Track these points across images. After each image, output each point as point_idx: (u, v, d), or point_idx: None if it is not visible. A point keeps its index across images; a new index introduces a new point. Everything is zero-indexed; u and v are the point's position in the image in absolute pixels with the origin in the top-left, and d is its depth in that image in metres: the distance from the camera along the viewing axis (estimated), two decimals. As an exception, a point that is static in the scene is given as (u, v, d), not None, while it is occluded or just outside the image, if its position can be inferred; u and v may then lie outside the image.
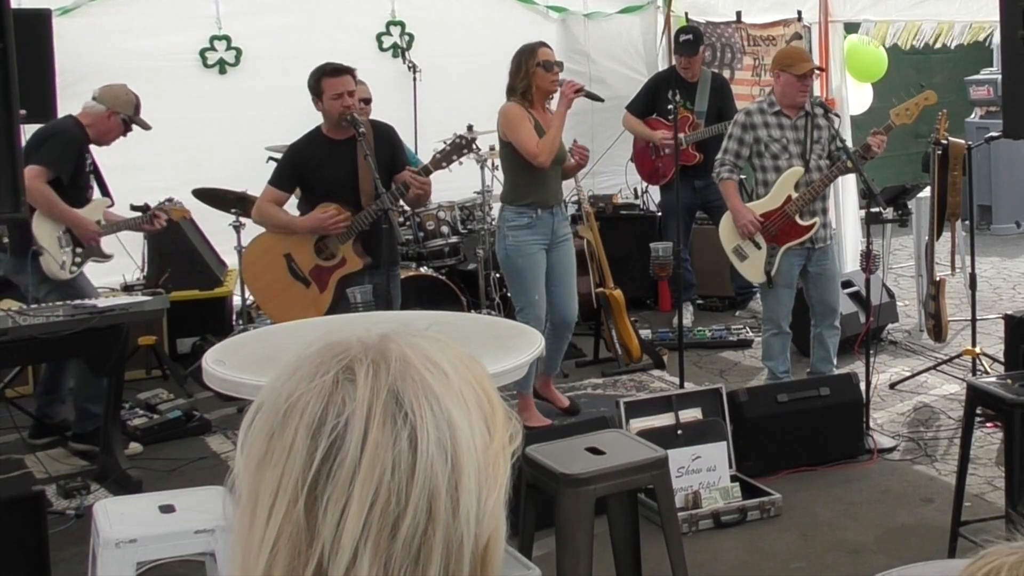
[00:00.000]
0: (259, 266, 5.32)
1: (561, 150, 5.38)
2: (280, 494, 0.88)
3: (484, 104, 7.51)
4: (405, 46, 7.71)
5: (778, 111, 5.42)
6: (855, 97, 8.23)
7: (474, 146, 5.38)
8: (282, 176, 5.15)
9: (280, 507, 0.87)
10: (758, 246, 5.49)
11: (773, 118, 5.43)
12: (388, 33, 7.88)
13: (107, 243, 6.20)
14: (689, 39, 7.35)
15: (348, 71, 5.08)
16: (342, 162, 5.07)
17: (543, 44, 5.43)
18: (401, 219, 6.52)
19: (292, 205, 5.36)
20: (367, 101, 6.43)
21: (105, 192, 5.55)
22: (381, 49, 7.82)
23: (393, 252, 5.17)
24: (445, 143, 5.34)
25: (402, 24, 7.88)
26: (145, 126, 5.48)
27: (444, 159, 5.23)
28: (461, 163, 5.52)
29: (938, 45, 7.37)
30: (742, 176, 5.87)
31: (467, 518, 0.88)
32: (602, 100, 5.31)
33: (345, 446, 0.87)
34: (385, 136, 5.26)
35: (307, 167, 5.09)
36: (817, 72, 5.43)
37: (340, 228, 5.05)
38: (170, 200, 6.45)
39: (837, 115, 5.52)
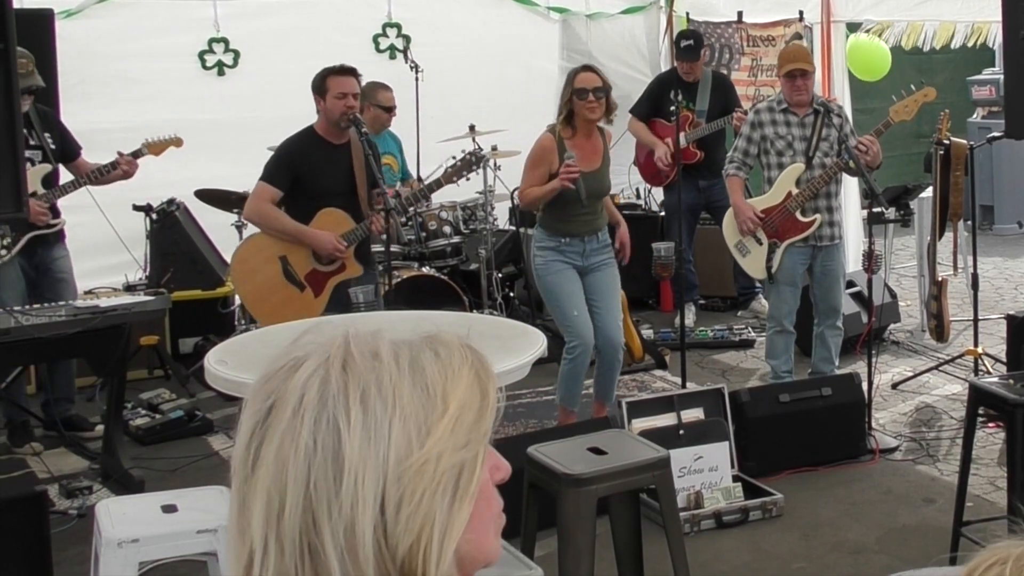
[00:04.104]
0: (251, 266, 5.22)
1: (602, 184, 5.14)
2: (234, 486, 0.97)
3: (484, 105, 7.54)
4: (402, 48, 7.72)
5: (786, 109, 5.47)
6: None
7: (484, 162, 5.38)
8: (278, 174, 5.09)
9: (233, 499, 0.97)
10: (759, 242, 5.51)
11: (781, 116, 5.47)
12: (385, 35, 7.88)
13: (108, 242, 6.23)
14: (690, 44, 7.36)
15: (353, 73, 5.09)
16: (338, 167, 5.06)
17: (585, 68, 5.09)
18: (403, 219, 6.52)
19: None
20: (390, 109, 6.46)
21: (66, 158, 5.40)
22: (378, 51, 7.83)
23: (370, 252, 5.22)
24: (455, 159, 5.34)
25: (398, 26, 7.88)
26: (29, 88, 5.09)
27: (455, 174, 5.26)
28: (469, 179, 5.53)
29: (939, 45, 7.37)
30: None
31: (364, 526, 0.90)
32: (583, 201, 4.95)
33: (264, 444, 0.94)
34: (374, 150, 5.26)
35: (303, 168, 5.06)
36: (805, 71, 5.41)
37: (337, 258, 5.08)
38: (171, 201, 6.47)
39: (838, 112, 5.53)
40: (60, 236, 5.40)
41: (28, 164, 5.15)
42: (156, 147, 5.61)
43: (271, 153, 6.27)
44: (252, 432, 0.95)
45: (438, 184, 5.25)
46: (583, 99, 4.97)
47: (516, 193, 5.20)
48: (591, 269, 5.15)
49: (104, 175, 5.38)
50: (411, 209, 6.10)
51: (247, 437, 0.95)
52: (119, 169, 5.38)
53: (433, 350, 0.98)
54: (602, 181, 5.16)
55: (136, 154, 5.47)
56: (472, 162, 5.23)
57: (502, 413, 1.02)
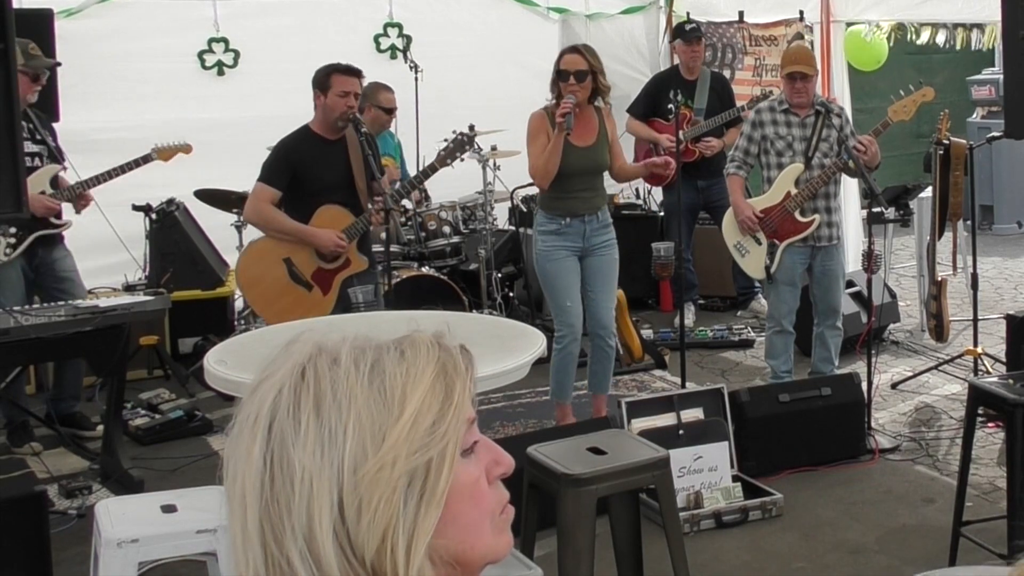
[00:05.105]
0: (256, 271, 5.22)
1: (599, 159, 5.14)
2: None
3: (484, 105, 7.53)
4: (403, 48, 7.73)
5: (787, 109, 5.47)
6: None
7: (475, 140, 5.37)
8: (276, 174, 5.08)
9: None
10: (759, 242, 5.52)
11: (781, 116, 5.47)
12: (385, 35, 7.89)
13: (108, 242, 6.23)
14: (694, 27, 7.48)
15: (358, 74, 5.09)
16: (335, 162, 5.07)
17: (571, 50, 5.13)
18: (403, 219, 6.53)
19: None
20: (391, 111, 6.46)
21: (61, 158, 5.39)
22: (379, 51, 7.84)
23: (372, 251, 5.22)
24: (447, 141, 5.35)
25: (399, 26, 7.89)
26: (42, 66, 5.13)
27: (448, 156, 5.26)
28: (463, 160, 5.51)
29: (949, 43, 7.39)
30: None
31: (324, 537, 0.90)
32: (568, 132, 4.92)
33: (230, 461, 0.96)
34: (368, 141, 5.26)
35: (301, 165, 5.06)
36: (805, 74, 5.42)
37: (340, 254, 5.10)
38: (171, 201, 6.47)
39: (839, 112, 5.54)
40: (60, 237, 5.40)
41: (36, 160, 5.20)
42: (165, 153, 5.62)
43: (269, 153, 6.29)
44: (228, 448, 0.96)
45: (432, 169, 5.25)
46: (564, 81, 5.02)
47: (531, 175, 5.17)
48: (591, 252, 5.18)
49: (124, 171, 5.39)
50: (407, 202, 6.11)
51: (225, 452, 0.97)
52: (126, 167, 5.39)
53: (400, 351, 0.97)
54: (597, 157, 5.15)
55: (145, 158, 5.48)
56: (464, 142, 5.24)
57: (476, 406, 0.99)
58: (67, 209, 5.41)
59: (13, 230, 5.08)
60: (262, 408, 0.94)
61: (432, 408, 0.94)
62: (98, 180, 5.37)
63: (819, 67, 5.92)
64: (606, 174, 5.34)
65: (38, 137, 5.26)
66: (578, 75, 5.01)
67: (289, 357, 0.97)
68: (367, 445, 0.91)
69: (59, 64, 5.40)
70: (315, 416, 0.92)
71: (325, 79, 5.04)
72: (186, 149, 5.70)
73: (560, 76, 5.05)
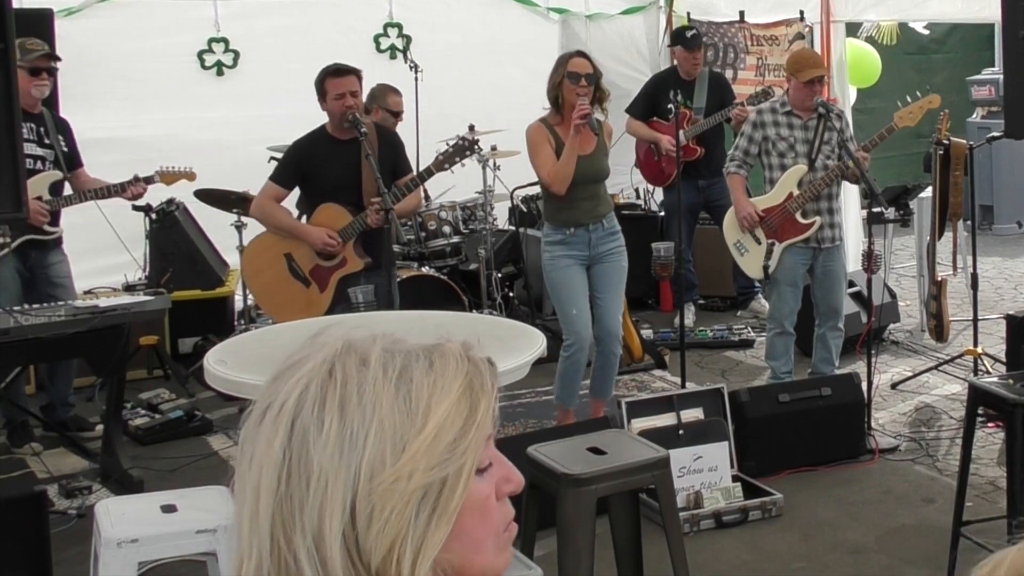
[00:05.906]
0: (258, 263, 5.35)
1: (598, 168, 5.12)
2: None
3: (484, 105, 7.54)
4: (403, 48, 7.73)
5: (789, 111, 5.47)
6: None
7: (476, 147, 5.36)
8: (285, 173, 5.18)
9: None
10: (758, 241, 5.52)
11: (784, 117, 5.47)
12: (385, 35, 7.89)
13: (108, 242, 6.22)
14: (695, 33, 7.46)
15: (352, 72, 5.11)
16: (346, 162, 5.09)
17: (579, 54, 5.13)
18: (403, 219, 6.53)
19: (291, 199, 5.40)
20: (397, 114, 6.44)
21: (70, 166, 5.37)
22: (379, 51, 7.84)
23: (391, 253, 5.19)
24: (448, 144, 5.34)
25: (399, 26, 7.89)
26: (34, 56, 5.09)
27: (447, 160, 5.23)
28: (463, 165, 5.51)
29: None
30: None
31: (332, 539, 0.90)
32: (597, 132, 5.00)
33: (248, 447, 0.96)
34: (388, 140, 5.29)
35: (310, 165, 5.12)
36: (823, 76, 5.43)
37: (331, 253, 5.13)
38: (170, 201, 6.47)
39: (839, 115, 5.54)
40: (58, 241, 5.39)
41: (40, 163, 5.18)
42: (169, 176, 5.64)
43: (270, 153, 6.31)
44: (247, 432, 0.95)
45: (429, 172, 5.25)
46: (574, 83, 4.98)
47: (546, 184, 5.15)
48: (598, 260, 5.16)
49: (112, 193, 5.39)
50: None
51: (243, 436, 0.96)
52: (128, 191, 5.39)
53: (429, 360, 0.96)
54: (597, 166, 5.13)
55: (148, 180, 5.48)
56: (464, 147, 5.22)
57: (497, 425, 0.99)
58: (66, 215, 5.41)
59: (8, 231, 5.06)
60: (287, 401, 0.93)
61: (455, 424, 0.94)
62: (97, 195, 5.37)
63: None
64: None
65: (46, 141, 5.26)
66: (588, 78, 4.98)
67: (318, 350, 0.96)
68: (386, 453, 0.91)
69: (57, 57, 5.38)
70: (339, 417, 0.91)
71: (320, 85, 5.09)
72: (190, 176, 5.74)
73: (570, 78, 4.98)
